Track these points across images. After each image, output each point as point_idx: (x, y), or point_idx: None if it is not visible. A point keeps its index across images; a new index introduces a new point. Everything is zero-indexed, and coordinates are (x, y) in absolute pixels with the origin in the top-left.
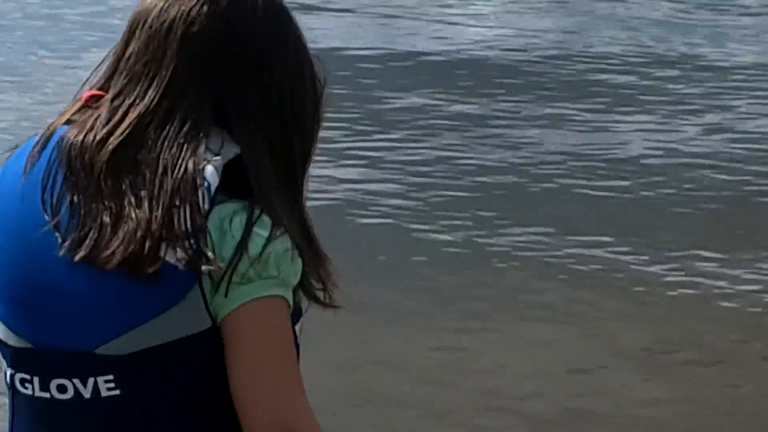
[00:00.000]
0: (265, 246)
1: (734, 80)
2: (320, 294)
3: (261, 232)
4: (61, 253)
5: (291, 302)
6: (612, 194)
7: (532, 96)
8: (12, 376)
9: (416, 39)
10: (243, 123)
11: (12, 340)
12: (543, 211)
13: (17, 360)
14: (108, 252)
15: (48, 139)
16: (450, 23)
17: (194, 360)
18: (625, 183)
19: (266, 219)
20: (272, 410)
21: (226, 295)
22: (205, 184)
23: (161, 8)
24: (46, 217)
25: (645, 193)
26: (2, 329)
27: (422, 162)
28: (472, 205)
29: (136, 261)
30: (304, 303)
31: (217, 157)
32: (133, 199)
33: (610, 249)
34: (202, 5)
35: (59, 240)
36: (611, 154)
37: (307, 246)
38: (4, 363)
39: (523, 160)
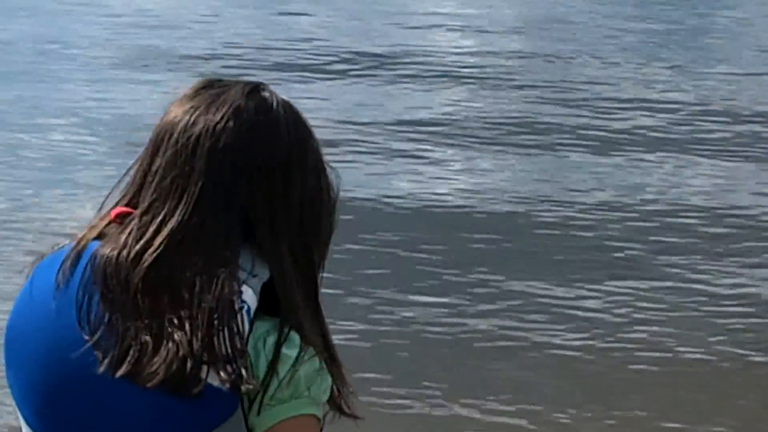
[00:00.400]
0: (294, 366)
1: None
2: (342, 402)
3: (290, 353)
4: (101, 370)
5: (321, 418)
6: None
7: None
8: None
9: None
10: (271, 239)
11: None
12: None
13: None
14: (151, 369)
15: (79, 254)
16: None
17: None
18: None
19: (295, 338)
20: None
21: (258, 414)
22: (245, 307)
23: (187, 123)
24: (85, 336)
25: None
26: None
27: None
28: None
29: (179, 381)
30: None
31: (254, 279)
32: (174, 319)
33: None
34: (227, 120)
35: (99, 358)
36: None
37: (330, 358)
38: None
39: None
